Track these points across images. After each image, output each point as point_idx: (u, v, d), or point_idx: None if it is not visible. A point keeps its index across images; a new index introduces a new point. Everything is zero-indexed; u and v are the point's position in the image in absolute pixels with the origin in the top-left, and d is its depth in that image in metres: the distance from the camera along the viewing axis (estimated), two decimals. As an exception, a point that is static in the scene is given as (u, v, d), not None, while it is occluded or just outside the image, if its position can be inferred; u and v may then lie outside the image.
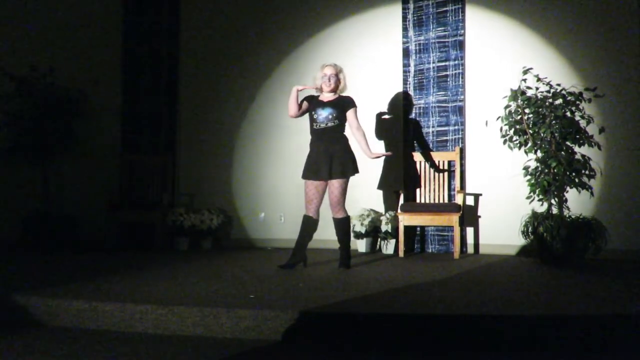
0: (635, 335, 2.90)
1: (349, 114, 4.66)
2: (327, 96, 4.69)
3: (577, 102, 4.89)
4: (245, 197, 6.45)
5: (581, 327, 2.93)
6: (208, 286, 3.81)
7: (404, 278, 4.20)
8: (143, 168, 6.39)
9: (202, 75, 6.58)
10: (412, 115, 5.93)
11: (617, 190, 5.30)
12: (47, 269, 4.69)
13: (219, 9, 6.60)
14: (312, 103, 4.71)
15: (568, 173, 4.86)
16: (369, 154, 4.70)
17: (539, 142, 4.91)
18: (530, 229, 4.85)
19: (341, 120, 4.63)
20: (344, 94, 4.72)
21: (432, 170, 5.73)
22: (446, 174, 5.72)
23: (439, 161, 5.73)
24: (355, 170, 4.62)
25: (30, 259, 5.38)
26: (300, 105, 4.70)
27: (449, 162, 5.73)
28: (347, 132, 4.69)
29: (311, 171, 4.60)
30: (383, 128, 5.95)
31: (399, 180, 5.88)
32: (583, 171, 4.89)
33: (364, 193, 5.88)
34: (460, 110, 5.76)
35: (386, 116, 5.94)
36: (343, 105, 4.65)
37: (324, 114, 4.61)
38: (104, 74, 6.54)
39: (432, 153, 5.78)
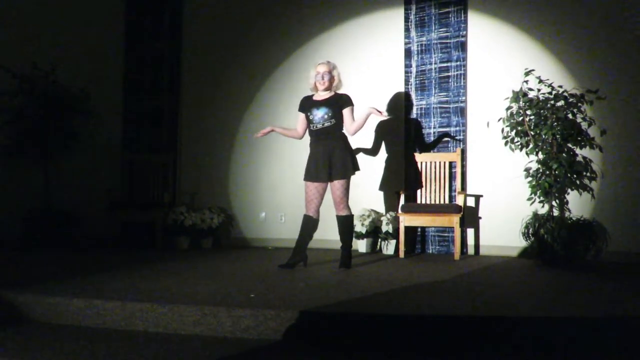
0: (636, 337, 2.90)
1: (345, 112, 4.62)
2: (321, 95, 4.67)
3: (579, 104, 4.88)
4: (245, 196, 6.46)
5: (582, 328, 2.93)
6: (208, 285, 3.81)
7: (404, 278, 4.20)
8: (144, 167, 6.40)
9: (204, 75, 6.59)
10: (414, 116, 5.93)
11: (618, 193, 5.30)
12: (48, 267, 4.70)
13: (222, 8, 6.60)
14: (308, 104, 4.70)
15: (569, 175, 4.86)
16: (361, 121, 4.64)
17: (540, 144, 4.90)
18: (531, 230, 4.85)
19: (337, 119, 4.59)
20: (340, 92, 4.71)
21: (433, 171, 5.73)
22: (447, 174, 5.72)
23: (439, 162, 5.73)
24: (355, 168, 4.61)
25: (30, 256, 5.39)
26: (291, 131, 4.83)
27: (450, 163, 5.73)
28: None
29: (311, 173, 4.59)
30: (384, 128, 5.95)
31: (400, 181, 5.88)
32: (584, 173, 4.89)
33: (365, 193, 5.88)
34: (461, 111, 5.76)
35: (387, 116, 5.92)
36: (339, 103, 4.61)
37: (319, 114, 4.59)
38: (106, 73, 6.55)
39: (433, 154, 5.79)
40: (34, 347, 2.86)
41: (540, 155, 4.93)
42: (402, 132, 5.95)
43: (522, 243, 5.04)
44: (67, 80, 6.29)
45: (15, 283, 3.75)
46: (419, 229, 5.86)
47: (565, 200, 4.93)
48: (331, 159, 4.53)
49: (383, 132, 5.96)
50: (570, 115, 4.88)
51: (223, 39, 6.57)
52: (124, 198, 6.29)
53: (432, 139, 5.87)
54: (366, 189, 5.88)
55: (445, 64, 5.84)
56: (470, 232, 5.70)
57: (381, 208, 5.96)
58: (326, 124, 4.58)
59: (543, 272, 4.59)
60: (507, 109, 5.04)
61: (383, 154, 5.97)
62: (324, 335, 3.01)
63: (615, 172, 5.27)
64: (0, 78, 6.07)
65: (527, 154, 5.00)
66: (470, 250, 5.69)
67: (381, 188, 5.96)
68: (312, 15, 6.34)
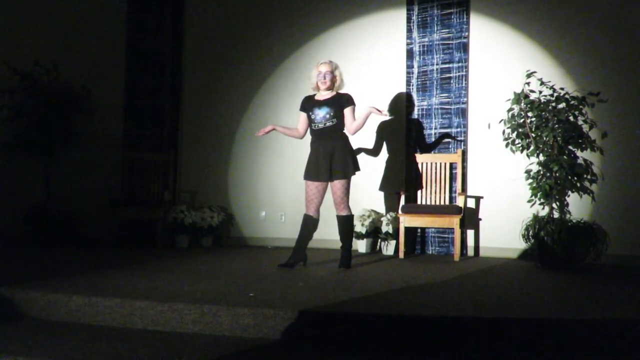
0: (634, 340, 2.90)
1: (346, 111, 4.62)
2: (323, 94, 4.67)
3: (580, 106, 4.88)
4: (246, 195, 6.46)
5: (581, 331, 2.93)
6: (208, 284, 3.81)
7: (403, 279, 4.20)
8: (145, 165, 6.39)
9: (205, 73, 6.59)
10: (415, 117, 5.93)
11: (618, 195, 5.29)
12: (47, 264, 4.70)
13: (223, 7, 6.60)
14: (309, 103, 4.70)
15: (570, 177, 4.86)
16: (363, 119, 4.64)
17: (541, 146, 4.90)
18: (531, 232, 4.84)
19: (339, 118, 4.60)
20: (342, 91, 4.71)
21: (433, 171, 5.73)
22: (448, 175, 5.71)
23: (440, 163, 5.73)
24: (356, 168, 4.61)
25: (30, 254, 5.39)
26: (292, 130, 4.82)
27: (451, 164, 5.72)
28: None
29: (312, 172, 4.59)
30: (385, 129, 5.95)
31: (401, 182, 5.88)
32: (585, 175, 4.89)
33: (366, 194, 5.88)
34: (463, 113, 5.76)
35: (387, 115, 5.90)
36: (340, 103, 4.61)
37: (321, 114, 4.60)
38: (108, 71, 6.55)
39: (434, 155, 5.79)
40: (32, 344, 2.86)
41: (541, 157, 4.93)
42: (403, 133, 5.95)
43: (522, 245, 5.04)
44: (69, 77, 6.30)
45: (14, 280, 3.75)
46: (419, 230, 5.85)
47: (565, 203, 4.93)
48: (332, 158, 4.53)
49: (384, 132, 5.96)
50: (571, 118, 4.88)
51: (224, 38, 6.57)
52: (125, 196, 6.29)
53: (433, 139, 5.87)
54: (366, 189, 5.87)
55: (446, 65, 5.84)
56: (470, 233, 5.70)
57: (381, 208, 5.96)
58: (327, 124, 4.58)
59: (543, 274, 4.59)
60: (509, 110, 5.04)
61: (384, 154, 5.97)
62: (324, 335, 3.01)
63: (615, 174, 5.26)
64: (1, 75, 6.07)
65: (527, 155, 5.00)
66: (470, 252, 5.69)
67: (381, 188, 5.96)
68: (314, 14, 6.33)
